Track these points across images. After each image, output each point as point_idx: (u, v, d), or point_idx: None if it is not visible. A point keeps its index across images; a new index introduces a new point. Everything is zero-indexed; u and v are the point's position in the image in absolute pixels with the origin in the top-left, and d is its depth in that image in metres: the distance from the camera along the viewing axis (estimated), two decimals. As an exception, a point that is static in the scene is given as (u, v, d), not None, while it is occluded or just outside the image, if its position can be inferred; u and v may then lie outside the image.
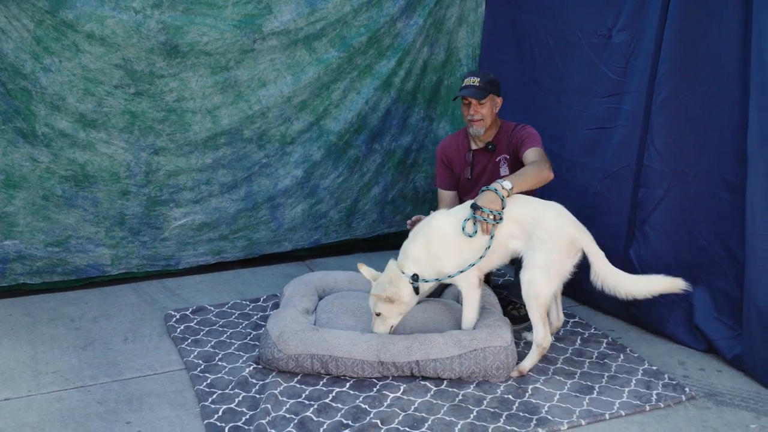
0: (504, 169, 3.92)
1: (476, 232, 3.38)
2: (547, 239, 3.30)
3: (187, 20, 4.16)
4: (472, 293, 3.49)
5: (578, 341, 3.71)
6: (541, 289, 3.30)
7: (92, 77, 4.08)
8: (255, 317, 3.98)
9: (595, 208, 3.97)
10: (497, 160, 3.93)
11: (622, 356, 3.56)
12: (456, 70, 4.94)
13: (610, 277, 3.32)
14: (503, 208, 3.35)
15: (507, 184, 3.41)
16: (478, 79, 3.82)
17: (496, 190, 3.37)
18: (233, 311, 4.07)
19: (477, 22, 4.90)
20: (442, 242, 3.43)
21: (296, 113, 4.59)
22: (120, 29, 4.03)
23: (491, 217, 3.33)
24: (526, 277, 3.34)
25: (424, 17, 4.74)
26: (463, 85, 3.87)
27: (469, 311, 3.50)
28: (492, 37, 4.83)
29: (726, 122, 3.43)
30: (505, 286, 4.21)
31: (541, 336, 3.34)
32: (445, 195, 4.17)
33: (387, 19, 4.65)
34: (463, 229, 3.40)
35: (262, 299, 4.22)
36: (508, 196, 3.38)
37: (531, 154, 3.71)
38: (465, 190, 4.11)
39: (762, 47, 3.12)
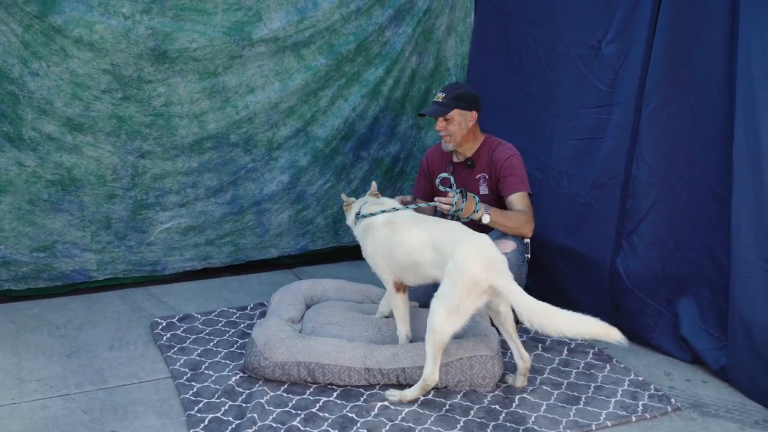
0: (483, 188, 3.92)
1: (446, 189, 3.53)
2: (454, 272, 3.10)
3: (176, 26, 4.16)
4: (389, 295, 3.52)
5: (565, 351, 3.72)
6: (440, 322, 3.07)
7: (80, 82, 4.06)
8: (242, 325, 3.96)
9: (583, 219, 3.99)
10: (477, 177, 3.94)
11: (608, 367, 3.57)
12: (445, 80, 4.96)
13: (536, 314, 3.02)
14: (463, 222, 3.46)
15: (486, 218, 3.48)
16: (444, 95, 3.83)
17: (477, 211, 3.47)
18: (220, 319, 4.05)
19: (466, 31, 4.92)
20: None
21: (283, 119, 4.60)
22: (109, 35, 4.02)
23: (452, 210, 3.47)
24: (432, 305, 3.15)
25: (413, 26, 4.75)
26: (433, 100, 3.90)
27: (395, 319, 3.52)
28: (481, 46, 4.85)
29: (714, 133, 3.46)
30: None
31: (428, 371, 3.12)
32: (419, 203, 4.20)
33: (375, 28, 4.66)
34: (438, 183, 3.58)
35: (249, 307, 4.21)
36: (477, 221, 3.48)
37: (518, 202, 3.73)
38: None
39: (748, 59, 3.15)
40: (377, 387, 3.33)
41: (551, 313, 3.03)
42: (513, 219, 3.68)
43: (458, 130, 3.84)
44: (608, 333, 2.98)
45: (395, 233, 3.42)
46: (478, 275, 3.07)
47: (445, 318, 3.07)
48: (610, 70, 3.82)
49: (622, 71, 3.75)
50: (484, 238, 3.26)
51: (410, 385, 3.29)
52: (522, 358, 3.35)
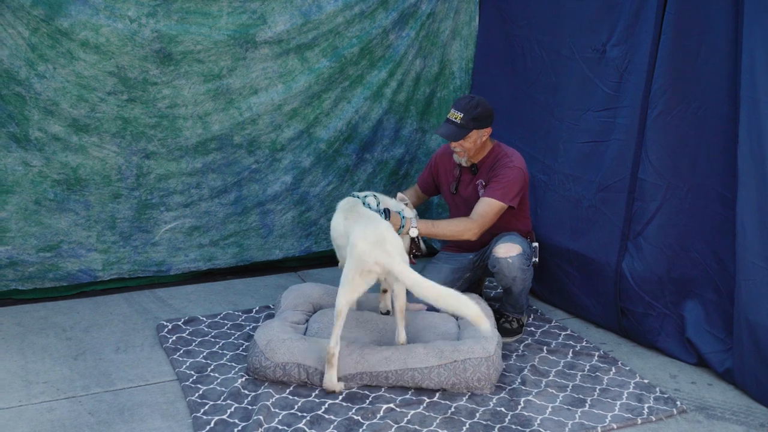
0: (482, 193, 3.93)
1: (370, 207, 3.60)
2: (349, 252, 3.31)
3: (181, 29, 4.17)
4: None
5: (570, 354, 3.73)
6: (338, 297, 3.28)
7: (86, 84, 4.08)
8: (247, 328, 3.97)
9: (589, 221, 3.99)
10: (476, 183, 3.95)
11: (613, 369, 3.58)
12: (449, 83, 4.97)
13: (421, 288, 3.22)
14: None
15: (414, 231, 3.62)
16: (462, 115, 3.78)
17: (402, 226, 3.63)
18: (225, 322, 4.05)
19: (470, 35, 4.93)
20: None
21: (287, 121, 4.61)
22: (114, 37, 4.04)
23: None
24: None
25: (416, 30, 4.76)
26: (448, 116, 3.85)
27: None
28: (485, 50, 4.85)
29: (719, 136, 3.46)
30: (497, 298, 4.22)
31: (332, 344, 3.28)
32: (417, 189, 4.29)
33: (379, 31, 4.67)
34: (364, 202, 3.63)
35: (254, 310, 4.21)
36: (406, 233, 3.65)
37: (479, 205, 3.79)
38: (448, 204, 4.17)
39: (752, 64, 3.16)
40: (383, 389, 3.33)
41: (435, 290, 3.20)
42: (447, 227, 3.80)
43: (473, 147, 3.85)
44: (478, 321, 3.16)
45: (333, 220, 3.71)
46: (364, 253, 3.23)
47: (340, 294, 3.27)
48: (615, 73, 3.83)
49: (627, 74, 3.76)
50: (380, 221, 3.42)
51: (402, 387, 3.32)
52: (399, 339, 3.51)
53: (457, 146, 3.85)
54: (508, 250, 3.70)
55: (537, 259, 3.90)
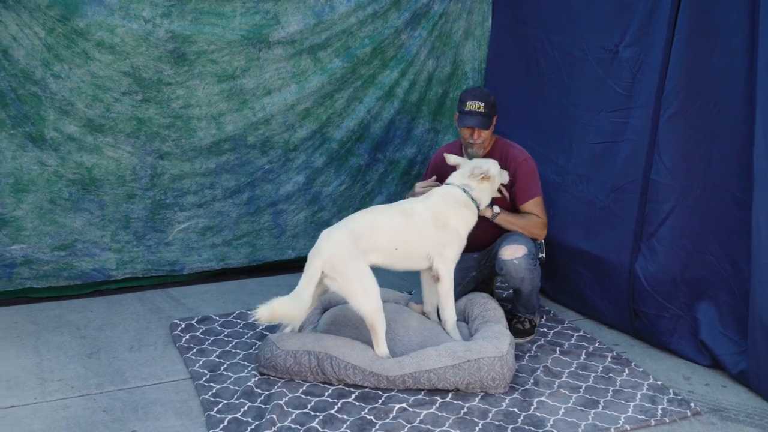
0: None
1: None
2: None
3: (195, 30, 4.20)
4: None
5: (583, 355, 3.72)
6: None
7: (101, 84, 4.12)
8: (260, 327, 3.97)
9: (602, 222, 3.98)
10: None
11: (627, 371, 3.56)
12: (462, 84, 4.97)
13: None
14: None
15: (497, 208, 3.77)
16: (483, 104, 3.79)
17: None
18: (238, 321, 4.07)
19: (483, 35, 4.93)
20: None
21: (299, 121, 4.63)
22: (129, 38, 4.07)
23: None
24: None
25: (428, 30, 4.77)
26: (467, 109, 3.82)
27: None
28: (498, 50, 4.85)
29: (733, 137, 3.44)
30: (509, 299, 4.21)
31: None
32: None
33: (391, 31, 4.69)
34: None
35: (267, 309, 4.23)
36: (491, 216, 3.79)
37: (533, 209, 3.88)
38: None
39: (768, 64, 3.15)
40: (395, 390, 3.34)
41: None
42: (525, 223, 3.85)
43: (489, 137, 3.87)
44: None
45: None
46: (309, 260, 3.41)
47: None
48: (628, 73, 3.81)
49: (640, 75, 3.74)
50: (327, 231, 3.49)
51: (419, 390, 3.31)
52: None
53: (479, 138, 3.85)
54: (513, 252, 3.69)
55: (544, 255, 3.89)
